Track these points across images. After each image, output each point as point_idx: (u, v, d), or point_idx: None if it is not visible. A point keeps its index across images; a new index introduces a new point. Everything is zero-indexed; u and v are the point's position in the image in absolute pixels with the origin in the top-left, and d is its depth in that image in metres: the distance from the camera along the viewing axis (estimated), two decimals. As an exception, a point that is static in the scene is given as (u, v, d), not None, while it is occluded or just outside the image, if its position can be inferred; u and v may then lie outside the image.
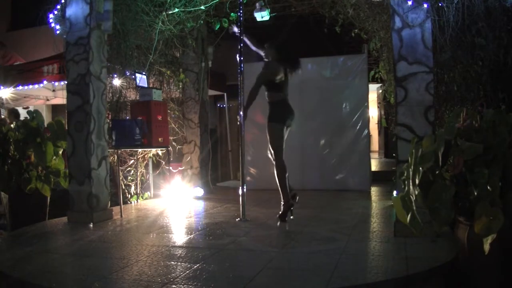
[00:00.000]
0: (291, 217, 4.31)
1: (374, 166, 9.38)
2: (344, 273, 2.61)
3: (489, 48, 4.02)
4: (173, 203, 5.68)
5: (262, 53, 4.67)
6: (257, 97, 6.40)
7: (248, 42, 4.66)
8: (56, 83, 7.70)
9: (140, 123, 5.10)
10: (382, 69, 6.03)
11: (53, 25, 5.04)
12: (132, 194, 5.79)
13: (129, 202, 5.66)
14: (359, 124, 6.59)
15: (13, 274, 2.76)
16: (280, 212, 4.27)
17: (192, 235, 3.79)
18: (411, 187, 2.72)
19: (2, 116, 6.69)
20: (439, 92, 4.42)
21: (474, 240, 2.45)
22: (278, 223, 4.20)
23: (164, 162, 6.19)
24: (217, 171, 9.86)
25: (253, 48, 4.75)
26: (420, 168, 2.64)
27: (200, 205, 5.57)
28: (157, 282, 2.52)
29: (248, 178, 6.81)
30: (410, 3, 3.62)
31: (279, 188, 4.29)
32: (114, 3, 4.58)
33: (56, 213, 4.79)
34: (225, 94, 9.55)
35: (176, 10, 5.31)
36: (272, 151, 4.37)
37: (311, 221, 4.33)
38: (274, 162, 4.37)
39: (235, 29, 4.82)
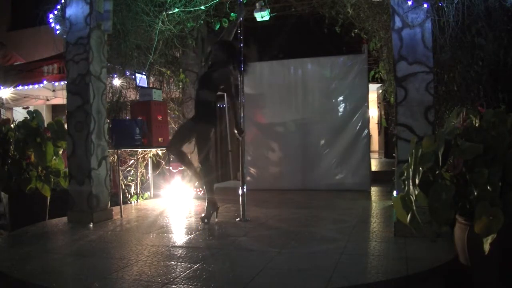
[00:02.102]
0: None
1: (374, 166, 9.37)
2: (344, 273, 2.61)
3: (489, 48, 4.02)
4: (173, 203, 5.68)
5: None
6: (258, 97, 6.44)
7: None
8: (56, 83, 7.72)
9: (140, 123, 5.10)
10: (382, 69, 6.03)
11: (53, 25, 5.04)
12: (132, 194, 5.79)
13: (129, 202, 5.66)
14: (359, 124, 6.58)
15: (13, 274, 2.76)
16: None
17: (192, 235, 3.79)
18: (411, 187, 2.72)
19: (3, 117, 6.70)
20: (439, 92, 4.42)
21: (474, 240, 2.45)
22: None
23: (164, 162, 6.19)
24: (217, 171, 9.84)
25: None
26: (420, 168, 2.64)
27: (200, 205, 5.55)
28: (157, 282, 2.52)
29: (248, 178, 6.82)
30: (410, 3, 3.62)
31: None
32: (114, 3, 4.59)
33: (56, 213, 4.80)
34: (225, 94, 9.53)
35: (176, 10, 5.31)
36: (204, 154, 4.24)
37: (311, 221, 4.33)
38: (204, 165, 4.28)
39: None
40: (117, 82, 5.63)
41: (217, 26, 5.92)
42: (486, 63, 4.09)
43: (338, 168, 6.65)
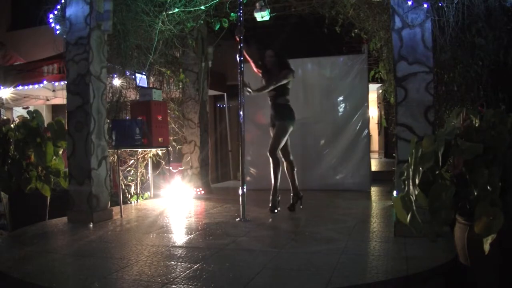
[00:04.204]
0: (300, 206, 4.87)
1: (374, 166, 9.37)
2: (344, 273, 2.61)
3: (489, 48, 4.02)
4: (173, 203, 5.68)
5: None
6: (258, 97, 6.41)
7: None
8: (56, 83, 7.70)
9: (140, 123, 5.09)
10: (382, 69, 6.02)
11: (53, 25, 5.04)
12: (132, 194, 5.79)
13: (129, 202, 5.66)
14: (359, 124, 6.58)
15: (13, 274, 2.76)
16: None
17: (192, 235, 3.79)
18: (411, 187, 2.72)
19: (4, 117, 6.69)
20: (439, 92, 4.42)
21: (474, 240, 2.45)
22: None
23: (164, 162, 6.19)
24: (217, 171, 9.86)
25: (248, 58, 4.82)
26: (420, 168, 2.64)
27: (200, 205, 5.57)
28: (157, 282, 2.52)
29: (248, 178, 6.81)
30: (410, 3, 3.62)
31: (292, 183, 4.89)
32: (114, 3, 4.58)
33: (56, 213, 4.79)
34: (225, 94, 9.56)
35: (176, 10, 5.31)
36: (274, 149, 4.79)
37: (311, 221, 4.33)
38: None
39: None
40: (117, 82, 5.63)
41: (217, 26, 5.91)
42: (486, 63, 4.09)
43: (338, 168, 6.65)
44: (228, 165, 9.90)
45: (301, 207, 4.90)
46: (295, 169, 4.97)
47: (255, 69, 4.95)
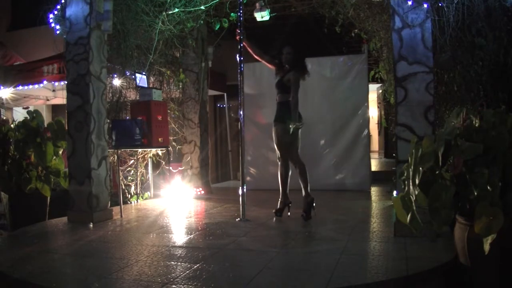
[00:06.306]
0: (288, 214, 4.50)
1: (374, 166, 9.37)
2: (344, 273, 2.61)
3: (489, 48, 4.03)
4: (173, 203, 5.68)
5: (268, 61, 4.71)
6: (258, 97, 6.39)
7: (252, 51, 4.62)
8: (56, 83, 7.69)
9: (140, 123, 5.09)
10: (382, 69, 6.03)
11: (53, 25, 5.04)
12: (132, 194, 5.79)
13: (129, 202, 5.66)
14: (359, 124, 6.58)
15: (13, 274, 2.76)
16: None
17: (192, 235, 3.79)
18: (411, 187, 2.72)
19: (4, 117, 6.69)
20: (439, 92, 4.42)
21: (474, 240, 2.45)
22: (275, 222, 4.20)
23: (164, 162, 6.19)
24: (217, 171, 9.86)
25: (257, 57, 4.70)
26: (420, 168, 2.64)
27: (200, 205, 5.57)
28: (157, 282, 2.52)
29: (248, 178, 6.82)
30: (410, 3, 3.62)
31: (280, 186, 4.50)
32: (114, 3, 4.59)
33: (56, 213, 4.80)
34: (225, 94, 9.56)
35: (176, 10, 5.31)
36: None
37: (311, 221, 4.33)
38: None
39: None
40: (117, 82, 5.63)
41: (217, 26, 5.91)
42: (486, 63, 4.10)
43: (338, 168, 6.65)
44: (228, 165, 9.90)
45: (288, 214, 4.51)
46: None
47: (265, 63, 4.74)
